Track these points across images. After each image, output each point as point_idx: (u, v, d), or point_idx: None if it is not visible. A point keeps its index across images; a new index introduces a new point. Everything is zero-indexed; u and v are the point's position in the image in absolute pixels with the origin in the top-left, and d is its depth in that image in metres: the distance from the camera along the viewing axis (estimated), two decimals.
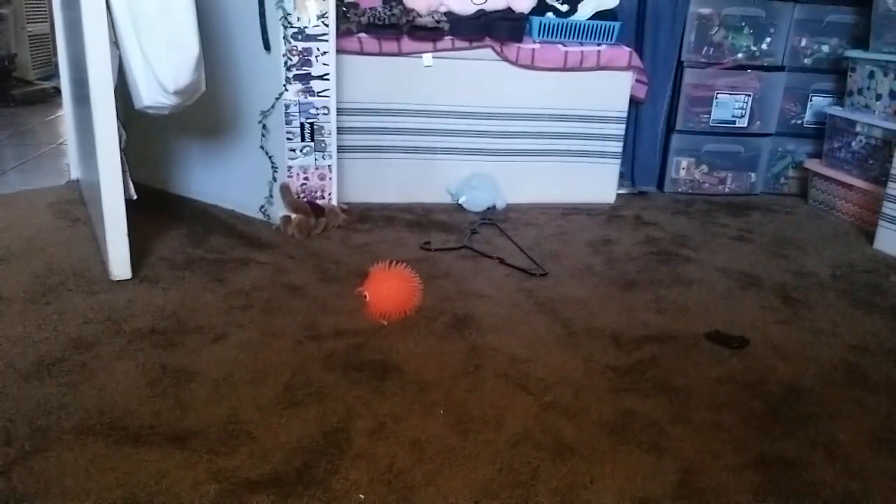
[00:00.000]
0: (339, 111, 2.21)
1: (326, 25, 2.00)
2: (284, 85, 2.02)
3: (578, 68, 2.40)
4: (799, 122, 2.78)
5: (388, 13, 2.22)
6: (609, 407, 1.34)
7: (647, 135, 2.66)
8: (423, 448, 1.19)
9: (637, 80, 2.52)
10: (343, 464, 1.14)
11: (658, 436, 1.26)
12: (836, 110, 2.60)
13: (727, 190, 2.79)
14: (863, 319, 1.77)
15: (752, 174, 2.78)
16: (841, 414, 1.37)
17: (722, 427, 1.30)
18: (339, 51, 2.13)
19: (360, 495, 1.08)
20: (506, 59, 2.36)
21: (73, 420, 1.20)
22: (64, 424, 1.19)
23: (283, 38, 1.98)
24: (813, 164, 2.69)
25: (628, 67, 2.44)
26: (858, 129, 2.50)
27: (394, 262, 1.64)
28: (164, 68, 1.60)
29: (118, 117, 1.62)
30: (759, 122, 2.73)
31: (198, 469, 1.11)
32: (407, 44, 2.27)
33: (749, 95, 2.67)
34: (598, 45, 2.42)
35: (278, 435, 1.20)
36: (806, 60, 2.72)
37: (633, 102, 2.55)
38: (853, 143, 2.53)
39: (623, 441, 1.25)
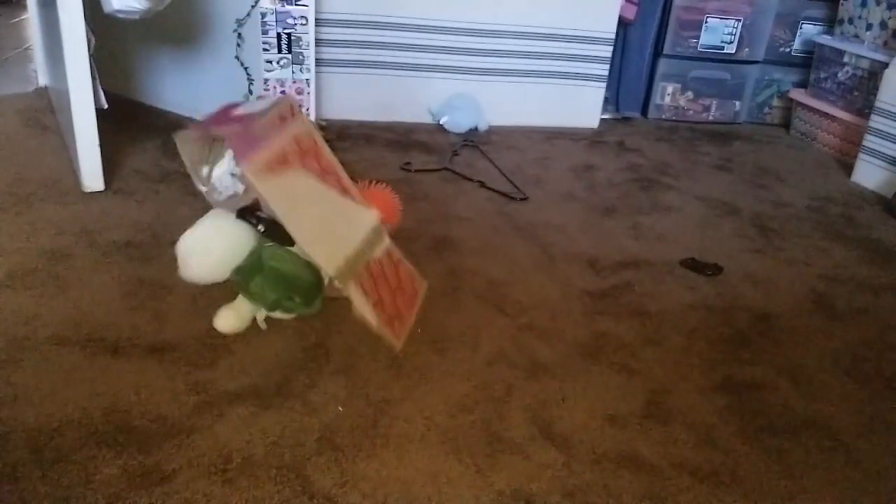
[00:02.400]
0: (319, 22, 2.12)
1: None
2: None
3: None
4: (787, 50, 2.74)
5: None
6: (583, 329, 1.37)
7: (634, 58, 2.61)
8: (401, 365, 1.21)
9: (627, 0, 2.44)
10: (322, 378, 1.16)
11: (629, 358, 1.30)
12: (826, 39, 2.56)
13: (711, 118, 2.77)
14: (834, 250, 1.81)
15: (737, 102, 2.76)
16: (807, 341, 1.41)
17: (692, 351, 1.34)
18: None
19: (340, 407, 1.10)
20: None
21: (48, 330, 1.20)
22: (40, 335, 1.19)
23: None
24: (797, 94, 2.67)
25: None
26: (846, 59, 2.47)
27: (373, 182, 1.62)
28: None
29: (86, 22, 1.54)
30: (747, 49, 2.68)
31: (176, 381, 1.12)
32: None
33: (739, 20, 2.61)
34: None
35: (257, 349, 1.21)
36: None
37: (622, 24, 2.48)
38: (839, 74, 2.51)
39: (595, 362, 1.28)
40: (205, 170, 1.40)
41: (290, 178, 1.18)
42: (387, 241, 1.32)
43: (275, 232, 1.28)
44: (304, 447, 1.02)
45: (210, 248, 1.26)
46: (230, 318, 1.24)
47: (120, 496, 0.92)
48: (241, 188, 1.40)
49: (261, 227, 1.29)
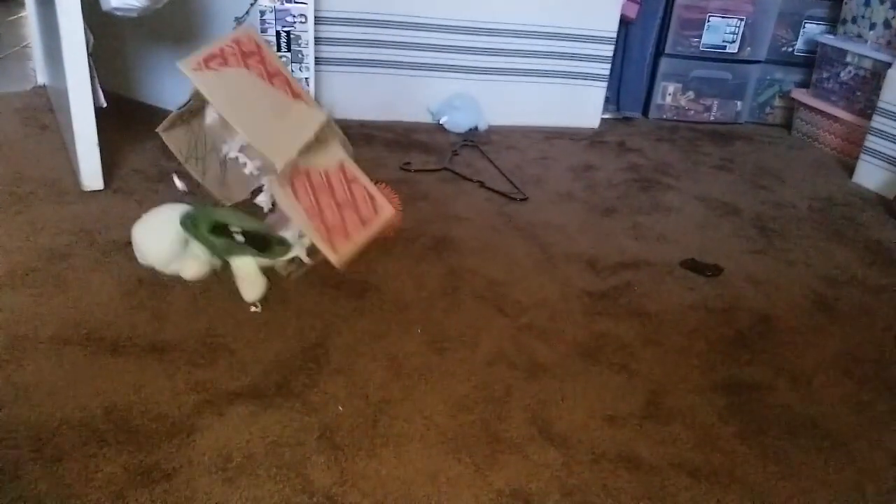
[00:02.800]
0: (318, 20, 2.12)
1: None
2: None
3: None
4: (790, 49, 2.73)
5: None
6: (583, 330, 1.37)
7: (636, 58, 2.60)
8: (401, 365, 1.21)
9: None
10: (321, 378, 1.16)
11: (629, 358, 1.30)
12: (828, 38, 2.56)
13: (712, 118, 2.76)
14: (835, 251, 1.81)
15: (739, 102, 2.76)
16: (807, 342, 1.41)
17: (691, 351, 1.34)
18: None
19: (340, 407, 1.10)
20: None
21: (49, 330, 1.20)
22: (40, 334, 1.19)
23: None
24: (799, 94, 2.66)
25: None
26: (849, 59, 2.46)
27: (373, 182, 1.62)
28: None
29: (84, 20, 1.54)
30: (749, 49, 2.68)
31: (176, 380, 1.12)
32: None
33: (742, 20, 2.61)
34: None
35: (256, 349, 1.21)
36: None
37: (623, 23, 2.48)
38: (842, 74, 2.50)
39: (595, 362, 1.28)
40: (199, 164, 1.44)
41: (231, 75, 1.23)
42: (342, 154, 1.33)
43: (252, 241, 1.30)
44: (304, 446, 1.03)
45: (155, 237, 1.34)
46: (194, 266, 1.30)
47: (121, 494, 0.92)
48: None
49: (239, 238, 1.31)
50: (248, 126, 1.22)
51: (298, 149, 1.22)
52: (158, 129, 1.44)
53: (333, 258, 1.21)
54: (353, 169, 1.33)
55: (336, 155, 1.32)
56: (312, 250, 1.41)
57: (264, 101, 1.27)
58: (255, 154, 1.50)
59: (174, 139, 1.50)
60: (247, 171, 1.54)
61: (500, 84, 2.43)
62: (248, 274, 1.29)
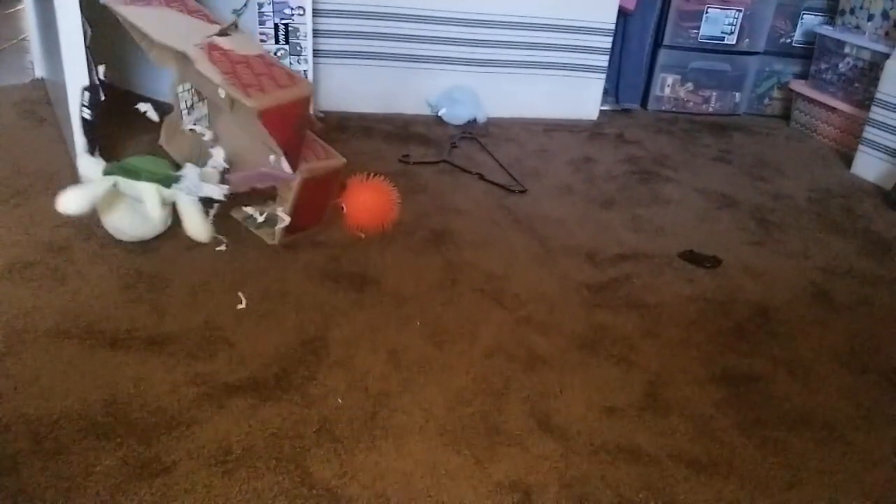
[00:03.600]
0: (316, 12, 2.11)
1: None
2: None
3: None
4: (788, 41, 2.73)
5: None
6: (581, 322, 1.37)
7: (634, 49, 2.60)
8: (400, 358, 1.21)
9: None
10: (321, 371, 1.16)
11: (628, 350, 1.30)
12: (826, 30, 2.55)
13: (711, 109, 2.76)
14: (833, 243, 1.81)
15: (737, 94, 2.75)
16: (805, 333, 1.42)
17: (690, 343, 1.34)
18: None
19: (339, 399, 1.11)
20: None
21: (48, 323, 1.20)
22: (39, 327, 1.19)
23: None
24: (798, 86, 2.66)
25: None
26: (847, 50, 2.46)
27: (372, 175, 1.62)
28: None
29: (82, 12, 1.53)
30: (747, 40, 2.67)
31: (176, 373, 1.12)
32: None
33: (740, 11, 2.60)
34: None
35: (256, 342, 1.21)
36: None
37: (622, 14, 2.47)
38: (840, 65, 2.50)
39: (594, 354, 1.28)
40: (198, 163, 1.50)
41: (151, 10, 1.50)
42: (260, 49, 1.51)
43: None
44: (304, 439, 1.03)
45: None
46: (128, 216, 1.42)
47: (120, 487, 0.92)
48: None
49: (86, 114, 1.46)
50: (156, 29, 1.43)
51: (200, 39, 1.42)
52: (160, 142, 1.55)
53: (249, 103, 1.32)
54: (274, 60, 1.50)
55: (256, 50, 1.50)
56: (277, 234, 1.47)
57: (181, 24, 1.49)
58: (211, 126, 1.63)
59: (176, 147, 1.58)
60: (206, 138, 1.60)
61: (499, 76, 2.42)
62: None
